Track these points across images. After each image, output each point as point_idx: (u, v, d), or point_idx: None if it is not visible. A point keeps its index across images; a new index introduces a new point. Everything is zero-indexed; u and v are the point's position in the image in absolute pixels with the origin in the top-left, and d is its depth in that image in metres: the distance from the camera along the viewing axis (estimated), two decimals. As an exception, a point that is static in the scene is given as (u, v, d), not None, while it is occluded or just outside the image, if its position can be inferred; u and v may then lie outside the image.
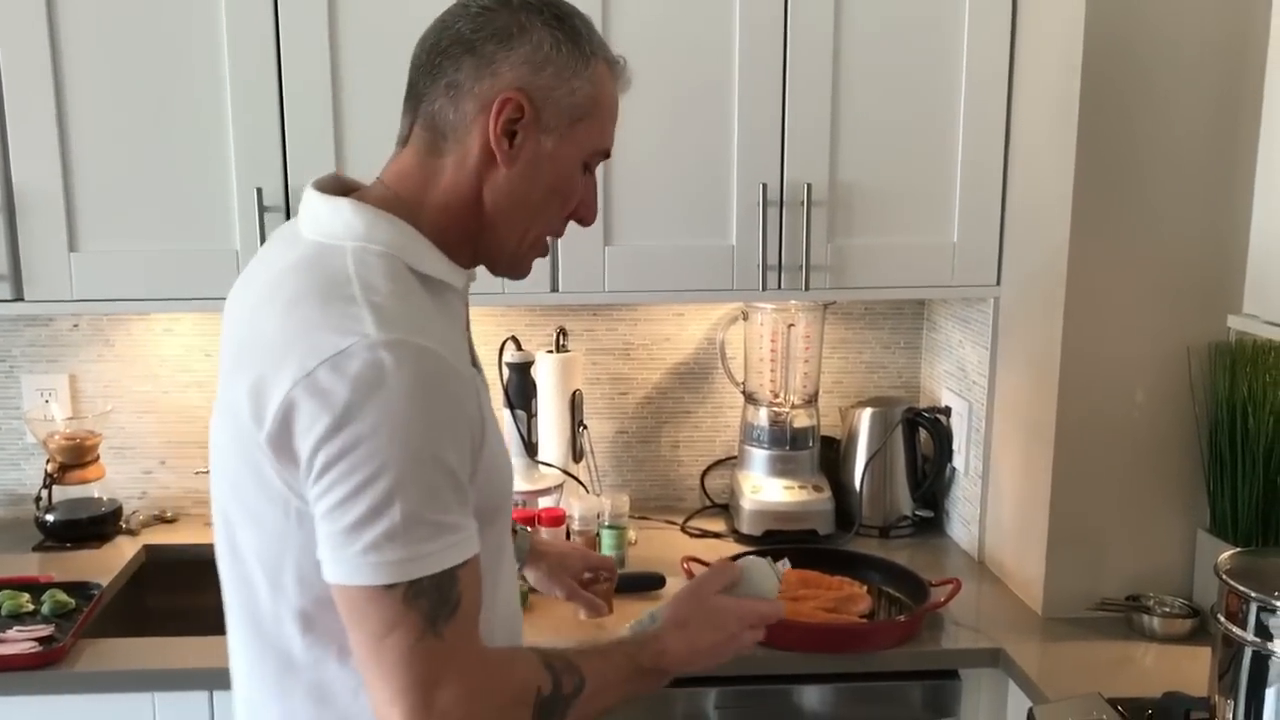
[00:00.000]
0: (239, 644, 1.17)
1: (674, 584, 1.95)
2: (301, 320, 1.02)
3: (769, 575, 1.37)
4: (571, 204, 1.18)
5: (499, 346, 2.17)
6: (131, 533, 2.22)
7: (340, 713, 1.10)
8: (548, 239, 1.21)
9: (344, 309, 1.01)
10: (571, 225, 1.22)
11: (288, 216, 1.91)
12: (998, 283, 2.05)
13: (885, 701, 1.79)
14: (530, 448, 2.19)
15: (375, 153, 1.91)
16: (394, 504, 0.98)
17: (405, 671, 1.00)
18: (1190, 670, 1.67)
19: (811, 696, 1.78)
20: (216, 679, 1.68)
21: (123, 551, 2.14)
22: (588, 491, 2.26)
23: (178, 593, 2.15)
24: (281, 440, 1.00)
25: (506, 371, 2.17)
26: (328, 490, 0.99)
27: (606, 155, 1.19)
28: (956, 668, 1.80)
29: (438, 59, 1.11)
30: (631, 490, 2.38)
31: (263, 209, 1.89)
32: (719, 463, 2.42)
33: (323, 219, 1.11)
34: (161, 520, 2.29)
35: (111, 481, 2.28)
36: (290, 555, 1.06)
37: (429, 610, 1.00)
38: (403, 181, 1.14)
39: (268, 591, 1.09)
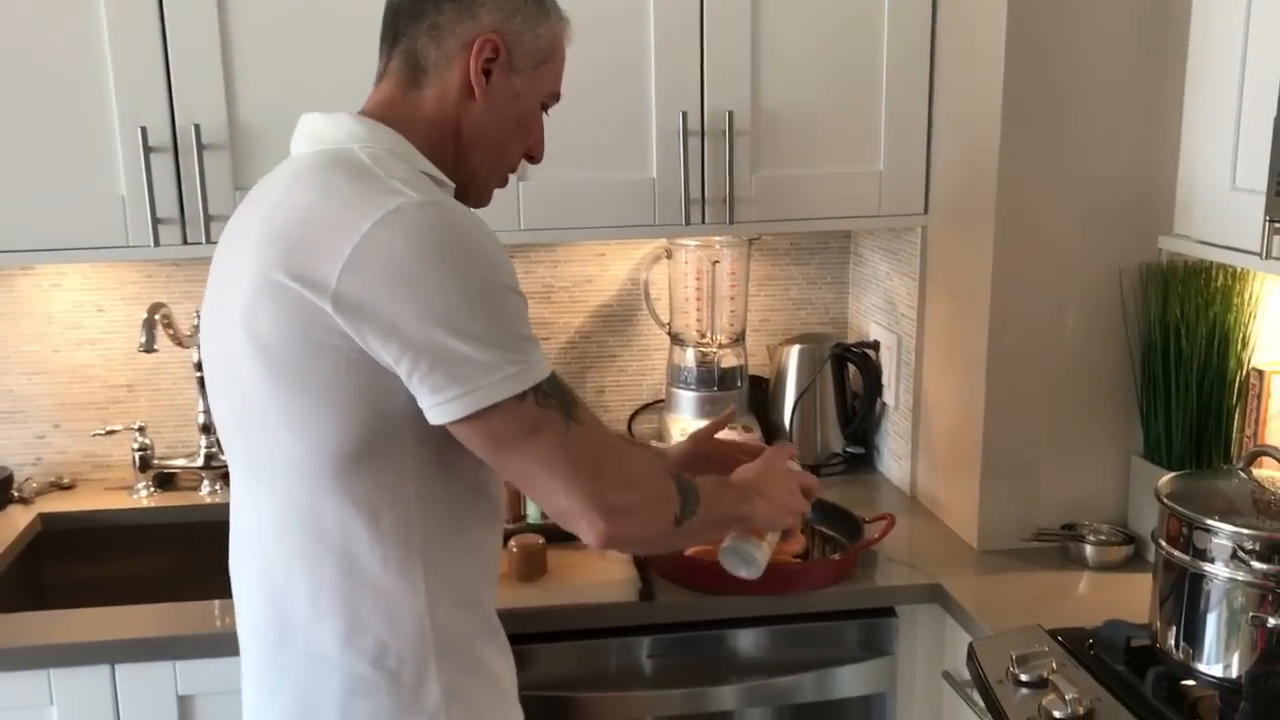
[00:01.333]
0: (268, 521, 1.20)
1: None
2: (341, 195, 1.11)
3: None
4: (531, 140, 1.33)
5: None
6: (26, 501, 2.09)
7: (367, 581, 1.17)
8: (508, 174, 1.34)
9: (379, 184, 1.12)
10: None
11: (176, 158, 1.78)
12: (925, 211, 2.00)
13: (821, 642, 1.74)
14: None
15: (267, 86, 1.82)
16: (494, 328, 1.08)
17: (566, 458, 1.12)
18: (1128, 597, 1.66)
19: (746, 640, 1.73)
20: (119, 651, 1.59)
21: (15, 521, 2.01)
22: (510, 441, 2.17)
23: (78, 563, 2.03)
24: (348, 295, 1.07)
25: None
26: (428, 340, 1.07)
27: (558, 98, 1.34)
28: (893, 605, 1.76)
29: (420, 4, 1.23)
30: (556, 438, 2.30)
31: (148, 150, 1.76)
32: (646, 406, 2.35)
33: (323, 132, 1.21)
34: (58, 487, 2.15)
35: (1, 448, 2.14)
36: (334, 410, 1.12)
37: (561, 406, 1.13)
38: (387, 110, 1.24)
39: (303, 457, 1.15)
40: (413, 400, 1.12)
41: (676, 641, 1.71)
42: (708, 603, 1.69)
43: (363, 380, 1.12)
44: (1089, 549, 1.79)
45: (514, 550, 1.73)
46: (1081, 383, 1.83)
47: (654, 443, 1.72)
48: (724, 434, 1.71)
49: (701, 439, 1.68)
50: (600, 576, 1.75)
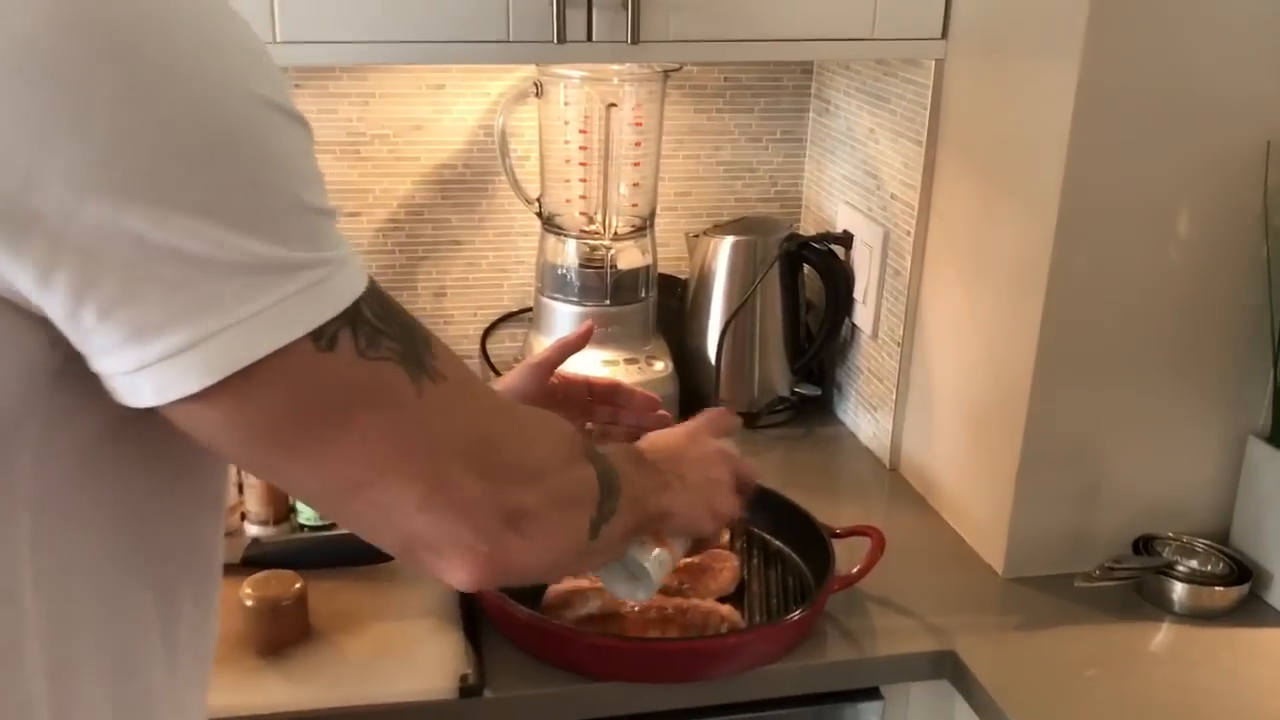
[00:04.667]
0: None
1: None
2: None
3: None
4: None
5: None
6: None
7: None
8: None
9: None
10: None
11: None
12: (943, 34, 1.27)
13: (761, 737, 1.08)
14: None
15: None
16: (253, 190, 0.53)
17: (422, 447, 0.61)
18: (1254, 677, 1.04)
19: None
20: None
21: None
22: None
23: None
24: None
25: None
26: (111, 227, 0.50)
27: None
28: (876, 684, 1.09)
29: None
30: (374, 360, 1.58)
31: None
32: (507, 317, 1.62)
33: None
34: None
35: None
36: None
37: (401, 350, 0.59)
38: None
39: None
40: (46, 359, 0.54)
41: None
42: (595, 693, 1.01)
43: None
44: (1180, 589, 1.14)
45: (248, 600, 1.02)
46: (1188, 323, 1.15)
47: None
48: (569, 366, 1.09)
49: (543, 368, 1.07)
50: (398, 639, 1.05)
